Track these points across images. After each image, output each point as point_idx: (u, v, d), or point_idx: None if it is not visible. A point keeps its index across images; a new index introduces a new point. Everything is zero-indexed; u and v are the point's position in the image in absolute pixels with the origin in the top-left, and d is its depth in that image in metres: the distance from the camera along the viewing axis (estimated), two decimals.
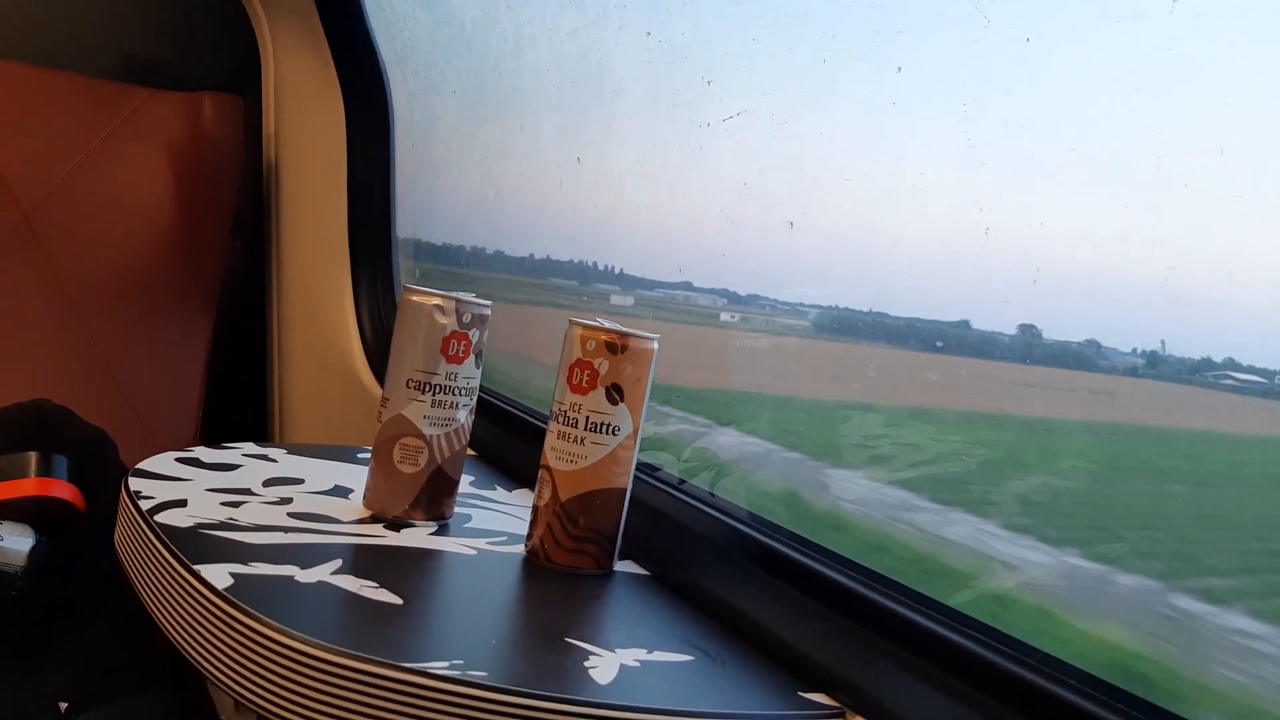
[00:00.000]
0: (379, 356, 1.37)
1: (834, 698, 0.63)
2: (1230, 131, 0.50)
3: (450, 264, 1.40)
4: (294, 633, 0.57)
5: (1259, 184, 0.49)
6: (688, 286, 1.03)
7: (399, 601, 0.65)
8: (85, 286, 1.36)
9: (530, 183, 1.15)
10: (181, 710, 1.18)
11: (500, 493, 0.95)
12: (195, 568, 0.63)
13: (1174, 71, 0.52)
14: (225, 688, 0.58)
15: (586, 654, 0.62)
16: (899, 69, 0.66)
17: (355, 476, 0.90)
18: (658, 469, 0.90)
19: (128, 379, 1.37)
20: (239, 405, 1.55)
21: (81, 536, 1.05)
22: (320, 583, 0.65)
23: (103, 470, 1.12)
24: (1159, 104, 0.53)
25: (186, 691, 1.23)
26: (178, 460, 0.86)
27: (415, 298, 0.80)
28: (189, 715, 1.19)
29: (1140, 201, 0.54)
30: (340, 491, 0.86)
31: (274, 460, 0.92)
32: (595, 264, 1.18)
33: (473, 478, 0.97)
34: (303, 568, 0.67)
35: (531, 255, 1.29)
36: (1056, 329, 0.60)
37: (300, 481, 0.87)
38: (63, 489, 1.00)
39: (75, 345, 1.35)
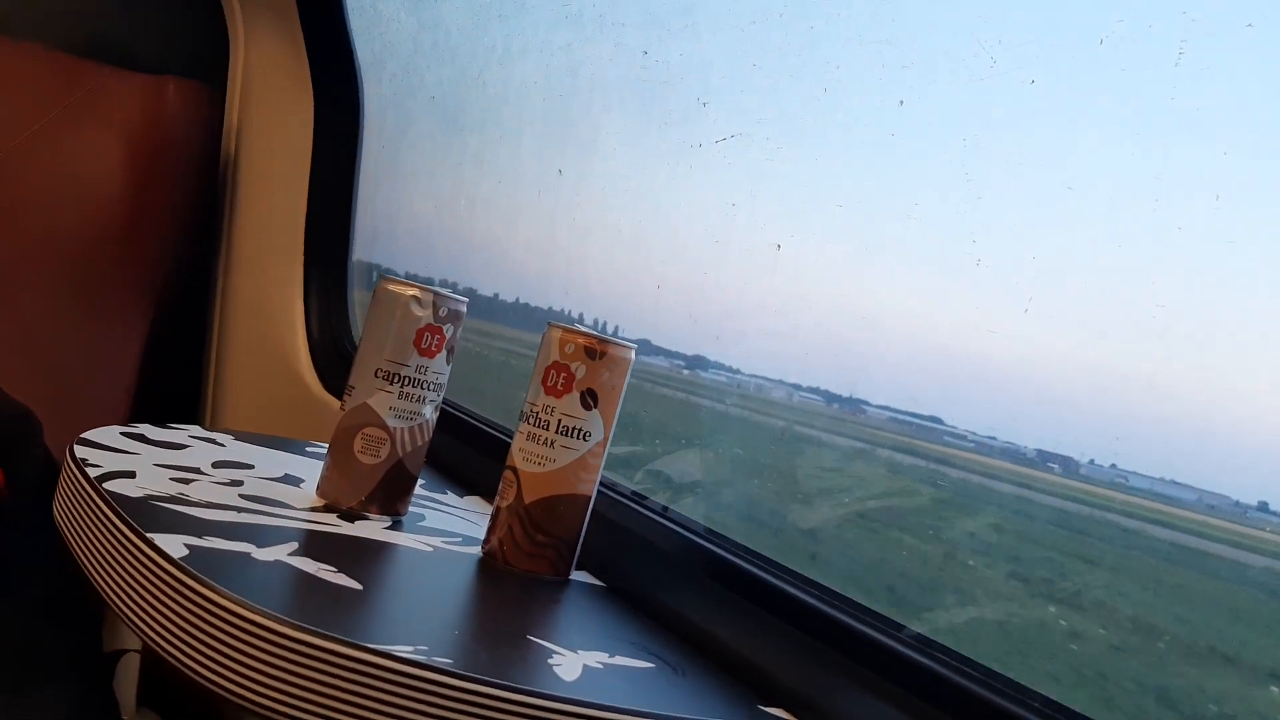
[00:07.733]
0: (324, 358, 1.34)
1: (792, 713, 0.63)
2: (1226, 180, 0.52)
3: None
4: (254, 605, 0.55)
5: (1251, 232, 0.52)
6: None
7: (359, 587, 0.63)
8: (19, 261, 1.31)
9: (506, 194, 1.14)
10: (82, 706, 1.12)
11: (451, 498, 0.94)
12: (149, 535, 0.60)
13: (1175, 120, 0.55)
14: (177, 661, 0.56)
15: (550, 652, 0.61)
16: (901, 102, 0.68)
17: (305, 468, 0.88)
18: (615, 483, 0.90)
19: (57, 360, 1.32)
20: (171, 394, 1.50)
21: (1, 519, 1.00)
22: (278, 561, 0.63)
23: (27, 450, 1.07)
24: (1158, 150, 0.56)
25: (88, 687, 1.17)
26: (123, 434, 0.83)
27: (392, 287, 0.79)
28: (90, 712, 1.13)
29: (1133, 241, 0.57)
30: (291, 480, 0.83)
31: (222, 445, 0.89)
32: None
33: (424, 481, 0.95)
34: (259, 546, 0.65)
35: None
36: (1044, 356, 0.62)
37: (250, 466, 0.84)
38: None
39: (2, 320, 1.29)
